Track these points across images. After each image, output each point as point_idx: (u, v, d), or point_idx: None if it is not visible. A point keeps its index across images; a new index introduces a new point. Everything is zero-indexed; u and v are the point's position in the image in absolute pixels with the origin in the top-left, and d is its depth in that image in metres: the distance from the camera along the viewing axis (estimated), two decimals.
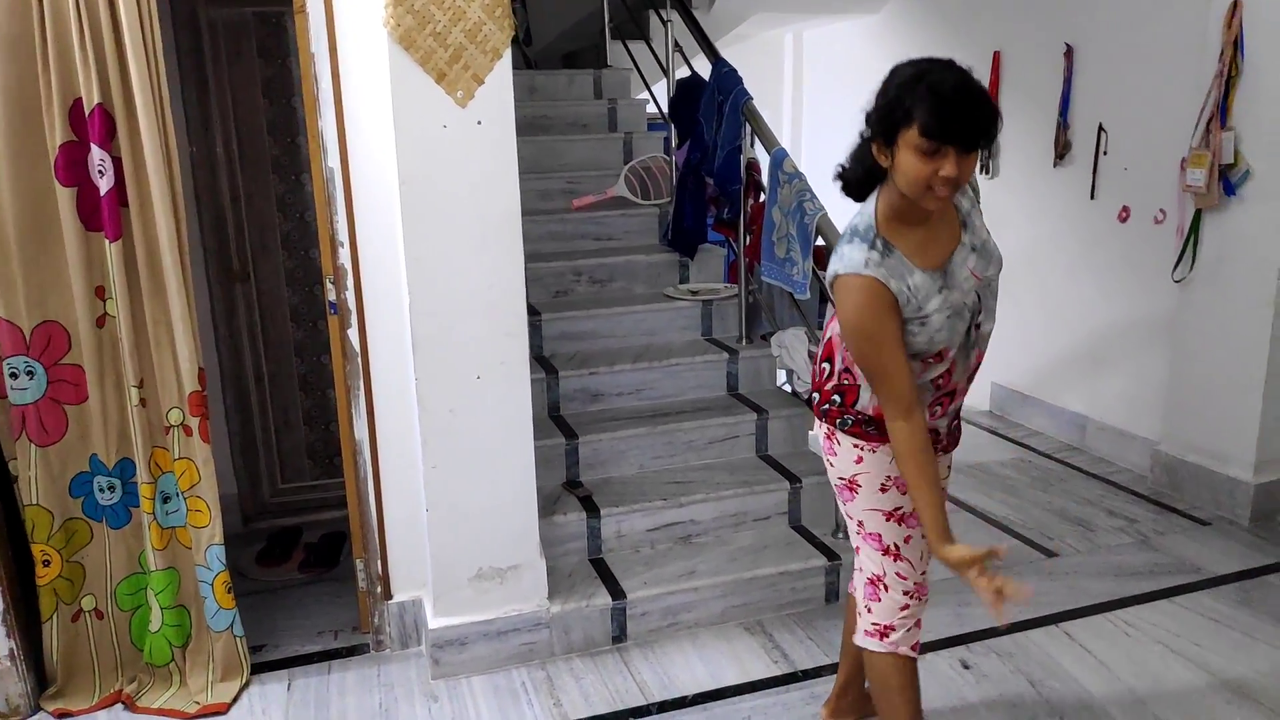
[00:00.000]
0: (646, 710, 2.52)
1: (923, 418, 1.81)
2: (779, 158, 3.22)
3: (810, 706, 2.50)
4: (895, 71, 1.75)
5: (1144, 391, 4.01)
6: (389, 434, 2.67)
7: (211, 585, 2.57)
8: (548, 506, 2.97)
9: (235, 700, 2.57)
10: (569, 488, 3.12)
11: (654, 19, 4.80)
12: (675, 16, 4.07)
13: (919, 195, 1.72)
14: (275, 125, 3.48)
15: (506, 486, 2.61)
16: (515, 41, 2.43)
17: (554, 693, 2.60)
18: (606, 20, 4.98)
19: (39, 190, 2.35)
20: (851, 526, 2.02)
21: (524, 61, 5.17)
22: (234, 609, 2.61)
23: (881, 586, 2.00)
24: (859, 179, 1.88)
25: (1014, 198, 4.69)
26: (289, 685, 2.66)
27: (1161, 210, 3.86)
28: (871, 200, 1.85)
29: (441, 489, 2.55)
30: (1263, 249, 3.35)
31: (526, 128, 4.31)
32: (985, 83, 1.82)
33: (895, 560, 1.97)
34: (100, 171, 2.34)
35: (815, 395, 2.03)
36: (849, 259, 1.77)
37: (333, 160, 2.51)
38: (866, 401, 1.92)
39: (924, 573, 2.03)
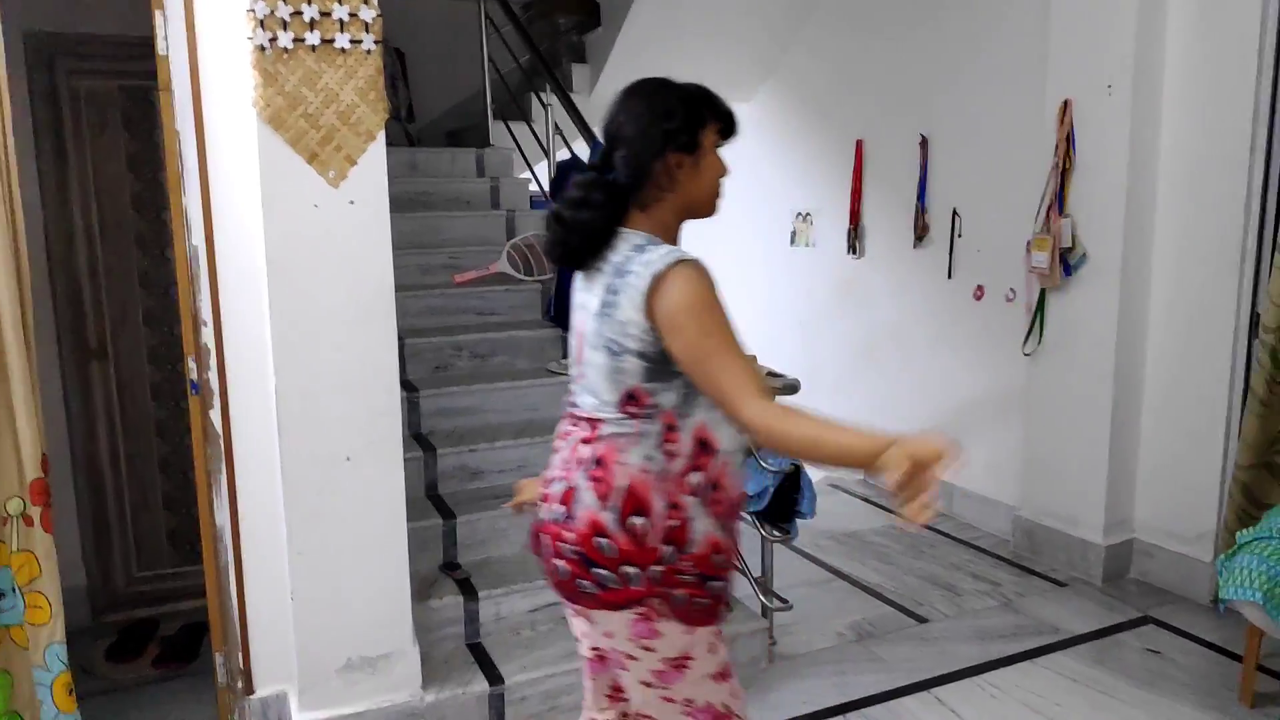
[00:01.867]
0: None
1: None
2: None
3: None
4: (659, 90, 1.62)
5: (1003, 459, 4.23)
6: (253, 518, 2.56)
7: (50, 688, 2.37)
8: (423, 590, 2.89)
9: None
10: (446, 570, 3.04)
11: (535, 102, 4.91)
12: (555, 100, 4.19)
13: (714, 198, 1.68)
14: (141, 199, 3.38)
15: (378, 571, 2.53)
16: (397, 118, 2.45)
17: None
18: (488, 100, 5.07)
19: None
20: (672, 710, 1.69)
21: (405, 138, 5.18)
22: (75, 713, 2.41)
23: None
24: (604, 224, 1.62)
25: (878, 276, 4.94)
26: None
27: (1011, 289, 4.13)
28: (629, 236, 1.61)
29: (308, 575, 2.45)
30: (1100, 326, 3.62)
31: (408, 204, 4.31)
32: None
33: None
34: None
35: (618, 573, 1.57)
36: (661, 253, 1.55)
37: (197, 238, 2.44)
38: (701, 534, 1.59)
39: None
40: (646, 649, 1.63)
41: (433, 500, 3.25)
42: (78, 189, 3.26)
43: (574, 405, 1.69)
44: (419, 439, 3.40)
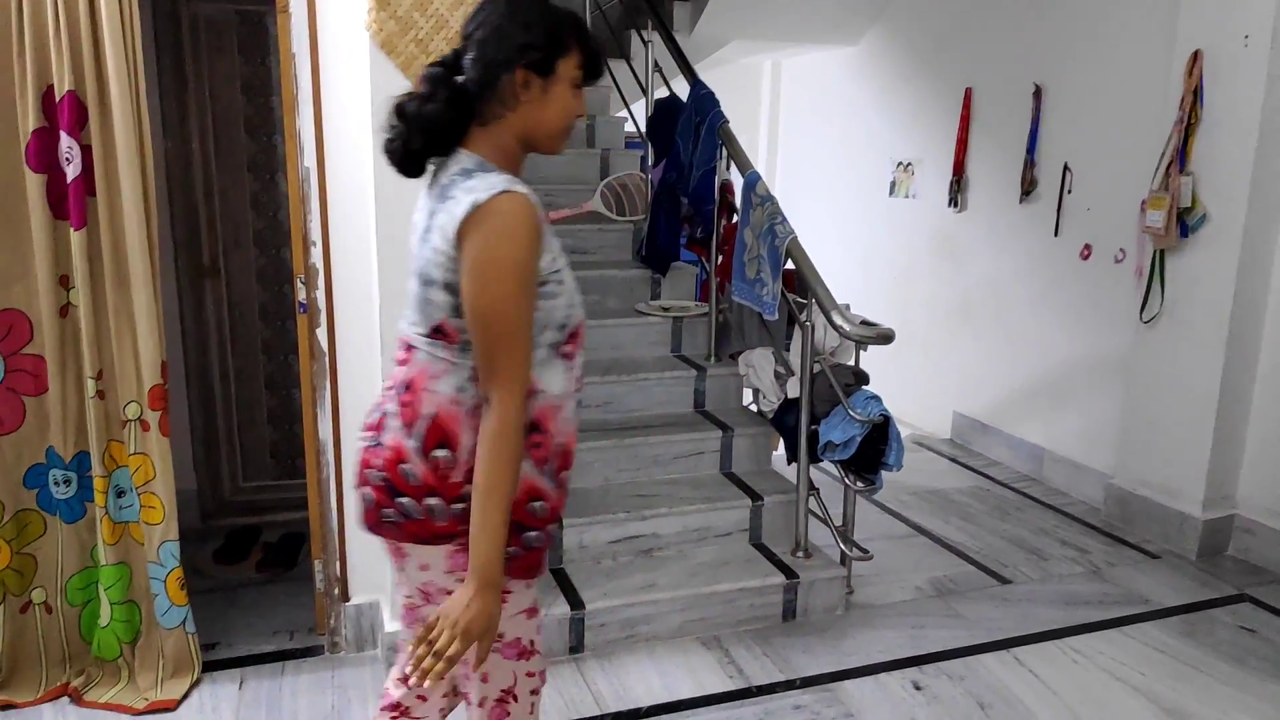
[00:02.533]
0: None
1: None
2: (752, 180, 3.27)
3: None
4: (529, 1, 1.48)
5: (1099, 426, 4.10)
6: (354, 434, 2.65)
7: (164, 582, 2.54)
8: None
9: (185, 698, 2.53)
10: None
11: (635, 39, 4.87)
12: (656, 38, 4.13)
13: (558, 135, 1.51)
14: (252, 123, 3.47)
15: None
16: None
17: None
18: None
19: (7, 175, 2.33)
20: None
21: None
22: (186, 606, 2.58)
23: (511, 699, 1.63)
24: (443, 128, 1.46)
25: (980, 230, 4.79)
26: (241, 684, 2.62)
27: (1121, 249, 3.96)
28: (461, 157, 1.47)
29: None
30: (1216, 290, 3.45)
31: None
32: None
33: (529, 660, 1.64)
34: (67, 159, 2.32)
35: (422, 504, 1.47)
36: (489, 181, 1.39)
37: (309, 160, 2.51)
38: (466, 451, 1.45)
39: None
40: (462, 580, 1.46)
41: None
42: (195, 113, 3.37)
43: (400, 330, 1.56)
44: None
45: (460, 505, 1.44)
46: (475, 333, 1.40)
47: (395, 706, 1.74)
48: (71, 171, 2.32)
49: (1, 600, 2.48)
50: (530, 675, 1.66)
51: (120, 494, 2.53)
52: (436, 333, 1.45)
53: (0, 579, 2.47)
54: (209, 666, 2.66)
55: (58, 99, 2.29)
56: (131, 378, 2.47)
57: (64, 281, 2.42)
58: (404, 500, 1.47)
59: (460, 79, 1.45)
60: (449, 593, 1.48)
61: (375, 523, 1.51)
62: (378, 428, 1.52)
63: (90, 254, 2.38)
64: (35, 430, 2.46)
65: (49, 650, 2.55)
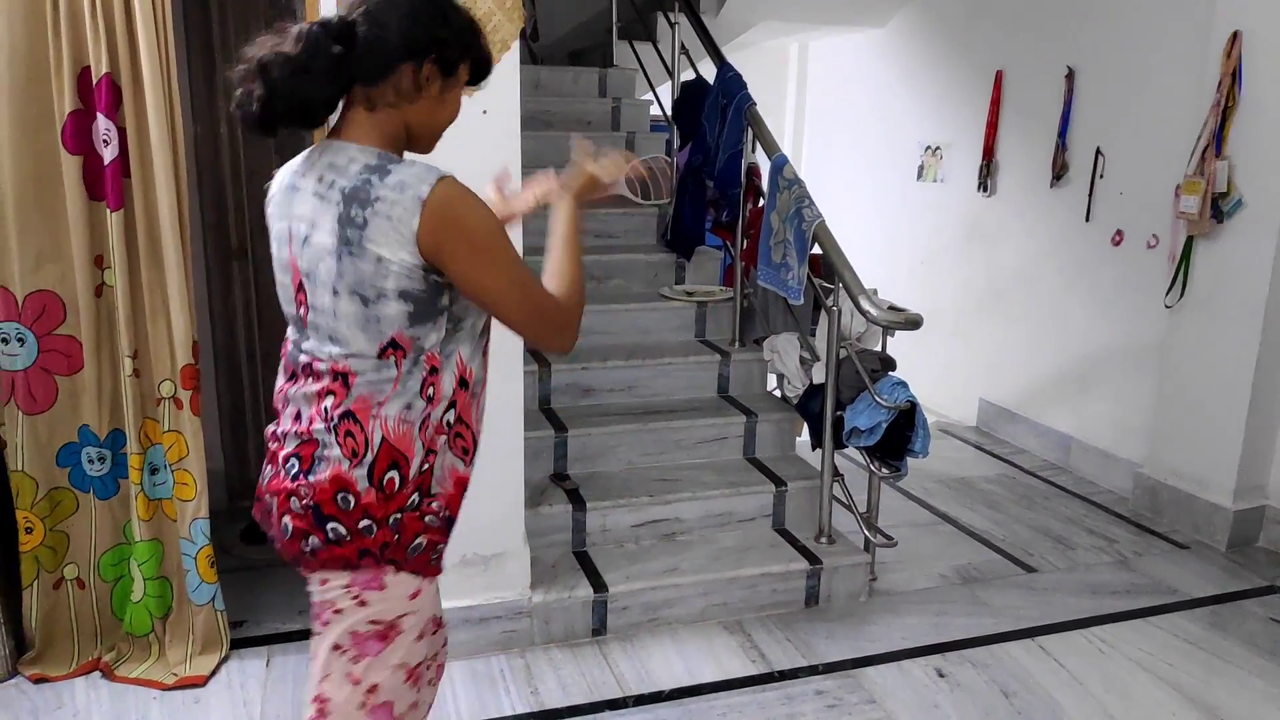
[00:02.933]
0: (623, 703, 2.53)
1: None
2: (779, 163, 3.25)
3: (785, 707, 2.52)
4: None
5: (1129, 414, 4.05)
6: None
7: (195, 559, 2.57)
8: (534, 497, 2.99)
9: (214, 673, 2.57)
10: (556, 480, 3.13)
11: (662, 21, 4.83)
12: (683, 20, 4.10)
13: (438, 138, 1.46)
14: None
15: (495, 474, 2.62)
16: (522, 36, 2.44)
17: (532, 681, 2.61)
18: (614, 20, 5.01)
19: (43, 157, 2.35)
20: (350, 695, 1.45)
21: (530, 57, 5.18)
22: (216, 583, 2.61)
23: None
24: (321, 103, 1.34)
25: (1010, 215, 4.74)
26: (268, 661, 2.66)
27: (1154, 235, 3.90)
28: (350, 151, 1.35)
29: None
30: (1251, 278, 3.39)
31: (529, 122, 4.30)
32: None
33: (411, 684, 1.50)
34: (105, 141, 2.34)
35: (353, 527, 1.38)
36: (414, 173, 1.30)
37: None
38: (446, 470, 1.43)
39: None
40: (360, 602, 1.41)
41: (545, 413, 3.33)
42: (224, 94, 3.39)
43: (305, 354, 1.43)
44: (534, 354, 3.47)
45: (397, 516, 1.38)
46: (510, 315, 1.39)
47: None
48: (109, 153, 2.34)
49: (35, 577, 2.53)
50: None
51: (154, 471, 2.56)
52: (387, 349, 1.35)
53: (34, 555, 2.52)
54: (237, 644, 2.70)
55: (94, 81, 2.31)
56: (165, 356, 2.50)
57: (99, 262, 2.44)
58: (333, 525, 1.37)
59: (339, 49, 1.31)
60: (336, 610, 1.41)
61: (296, 554, 1.41)
62: (302, 458, 1.39)
63: (126, 235, 2.40)
64: (68, 409, 2.49)
65: (81, 625, 2.60)
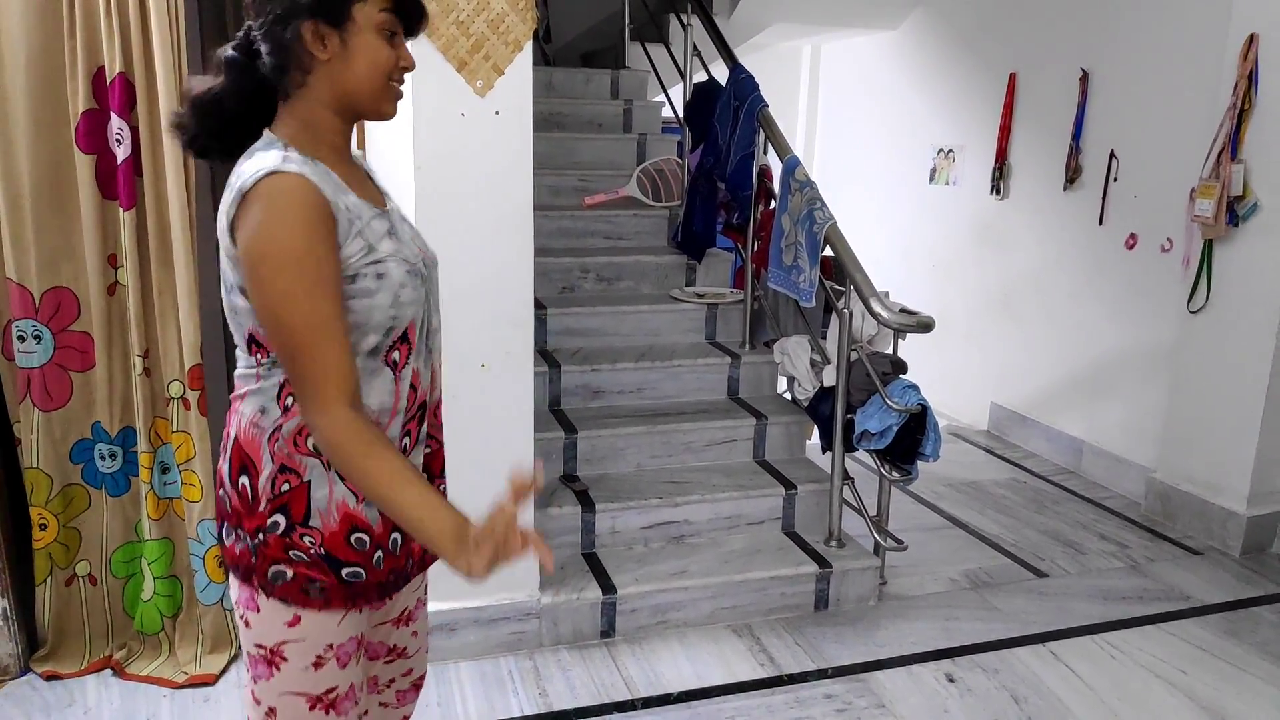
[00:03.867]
0: (631, 705, 2.53)
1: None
2: (791, 165, 3.24)
3: (794, 711, 2.51)
4: None
5: (1142, 419, 4.03)
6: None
7: (203, 559, 2.58)
8: (544, 499, 2.99)
9: (223, 672, 2.58)
10: (566, 481, 3.13)
11: (674, 23, 4.83)
12: (696, 21, 4.10)
13: (378, 94, 1.28)
14: None
15: (505, 475, 2.62)
16: (535, 37, 2.45)
17: (540, 683, 2.61)
18: (627, 22, 5.01)
19: (58, 156, 2.37)
20: (253, 713, 1.39)
21: (542, 58, 5.19)
22: (224, 583, 2.62)
23: None
24: (239, 112, 1.28)
25: (1023, 219, 4.71)
26: None
27: (1169, 239, 3.88)
28: (266, 143, 1.26)
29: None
30: (1267, 282, 3.36)
31: (542, 124, 4.34)
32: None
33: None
34: (118, 140, 2.36)
35: (229, 533, 1.33)
36: (257, 162, 1.20)
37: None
38: (327, 504, 1.29)
39: None
40: (245, 622, 1.34)
41: (555, 415, 3.33)
42: None
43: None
44: (544, 355, 3.48)
45: (261, 537, 1.28)
46: (270, 343, 1.23)
47: None
48: (122, 152, 2.36)
49: (48, 573, 2.54)
50: None
51: (164, 470, 2.58)
52: (250, 343, 1.27)
53: (47, 551, 2.53)
54: None
55: (109, 80, 2.32)
56: (175, 356, 2.51)
57: (112, 261, 2.46)
58: (223, 524, 1.34)
59: (245, 59, 1.26)
60: (243, 621, 1.34)
61: (221, 550, 1.37)
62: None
63: (138, 234, 2.42)
64: (81, 406, 2.51)
65: (93, 623, 2.61)
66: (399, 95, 1.32)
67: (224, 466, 1.32)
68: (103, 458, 2.55)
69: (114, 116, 2.34)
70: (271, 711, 1.37)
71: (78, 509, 2.56)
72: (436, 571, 2.63)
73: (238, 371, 1.32)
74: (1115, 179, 4.14)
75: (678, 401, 3.51)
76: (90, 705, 2.46)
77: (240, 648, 2.60)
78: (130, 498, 2.59)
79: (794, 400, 3.58)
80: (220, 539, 1.36)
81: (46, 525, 2.51)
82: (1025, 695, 2.60)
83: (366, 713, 1.49)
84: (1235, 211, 3.40)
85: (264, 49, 1.24)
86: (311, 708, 1.36)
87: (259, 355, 1.27)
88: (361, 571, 1.32)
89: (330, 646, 1.34)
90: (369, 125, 2.53)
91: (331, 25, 1.23)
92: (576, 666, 2.69)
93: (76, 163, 2.36)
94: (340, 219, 1.22)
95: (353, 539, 1.31)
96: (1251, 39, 3.33)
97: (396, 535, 1.36)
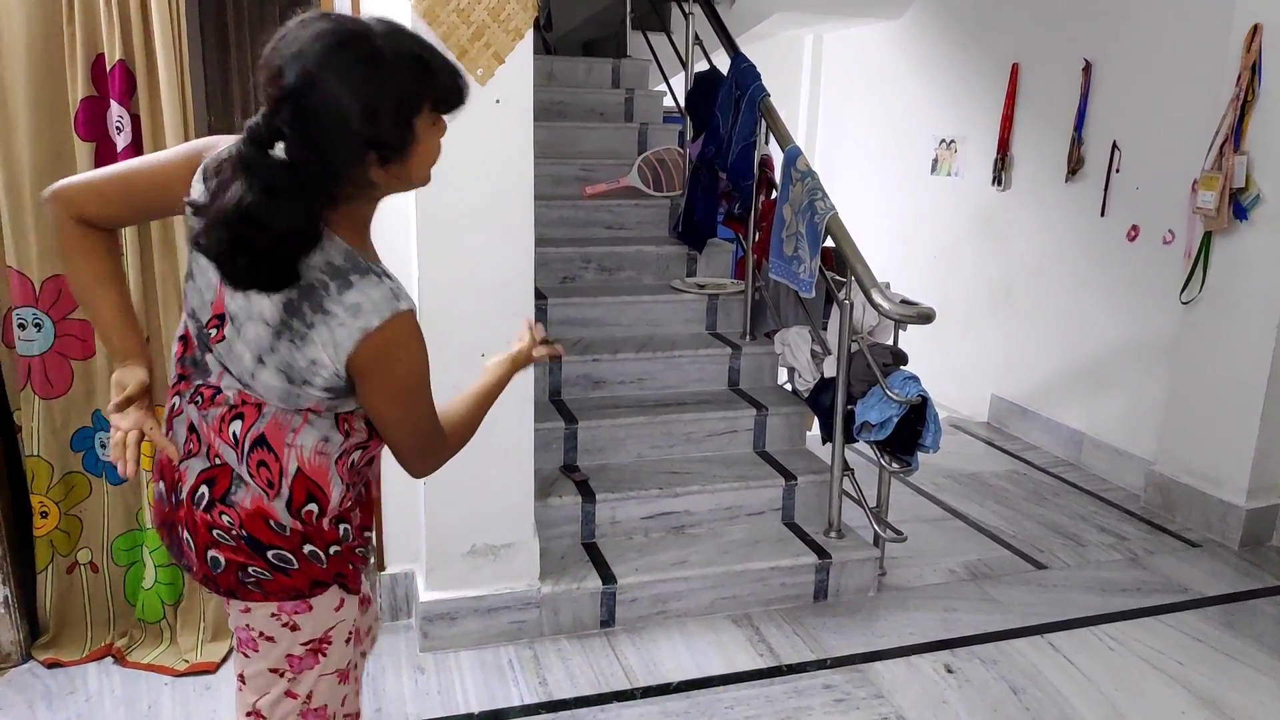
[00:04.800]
0: (631, 694, 2.53)
1: None
2: (792, 155, 3.23)
3: (793, 701, 2.52)
4: (364, 64, 1.18)
5: (1142, 411, 4.03)
6: None
7: None
8: (544, 489, 2.99)
9: (224, 660, 2.59)
10: (566, 472, 3.13)
11: (676, 11, 4.81)
12: (697, 10, 4.09)
13: (423, 183, 1.34)
14: None
15: (505, 465, 2.63)
16: (536, 26, 2.44)
17: (540, 672, 2.61)
18: (628, 10, 4.99)
19: (57, 143, 2.36)
20: (290, 708, 1.47)
21: (543, 47, 5.17)
22: None
23: None
24: (307, 224, 1.23)
25: (1024, 210, 4.70)
26: None
27: (1170, 231, 3.87)
28: (349, 263, 1.27)
29: None
30: (1269, 274, 3.36)
31: (543, 113, 4.32)
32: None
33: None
34: (118, 128, 2.35)
35: (299, 553, 1.38)
36: (372, 297, 1.25)
37: None
38: (336, 501, 1.41)
39: None
40: (293, 628, 1.42)
41: (556, 405, 3.33)
42: (237, 83, 3.39)
43: (209, 374, 1.37)
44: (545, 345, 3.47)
45: (337, 547, 1.41)
46: (397, 441, 1.39)
47: None
48: (122, 140, 2.35)
49: (49, 561, 2.55)
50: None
51: None
52: (304, 410, 1.35)
53: (49, 539, 2.54)
54: None
55: (108, 68, 2.31)
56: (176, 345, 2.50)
57: None
58: (276, 553, 1.36)
59: (280, 154, 1.19)
60: (268, 639, 1.42)
61: (234, 586, 1.38)
62: (214, 484, 1.36)
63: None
64: (82, 394, 2.51)
65: (94, 610, 2.62)
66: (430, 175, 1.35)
67: (277, 503, 1.35)
68: (103, 446, 2.55)
69: (114, 104, 2.33)
70: (310, 696, 1.48)
71: (78, 497, 2.56)
72: (434, 564, 2.65)
73: (269, 412, 1.33)
74: (1117, 170, 4.13)
75: (678, 392, 3.51)
76: (92, 693, 2.46)
77: None
78: (131, 486, 2.60)
79: (794, 391, 3.58)
80: (275, 569, 1.37)
81: (47, 513, 2.52)
82: (1023, 686, 2.61)
83: (356, 666, 1.62)
84: (1239, 203, 3.39)
85: (307, 164, 1.19)
86: (341, 680, 1.51)
87: (311, 412, 1.35)
88: (367, 551, 1.53)
89: (355, 621, 1.51)
90: None
91: (394, 159, 1.24)
92: (576, 656, 2.70)
93: (76, 150, 2.36)
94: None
95: (365, 532, 1.52)
96: (1255, 29, 3.32)
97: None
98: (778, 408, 3.43)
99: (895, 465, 3.05)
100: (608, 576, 2.83)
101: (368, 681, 2.53)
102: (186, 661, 2.56)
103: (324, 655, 1.46)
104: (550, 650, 2.72)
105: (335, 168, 1.21)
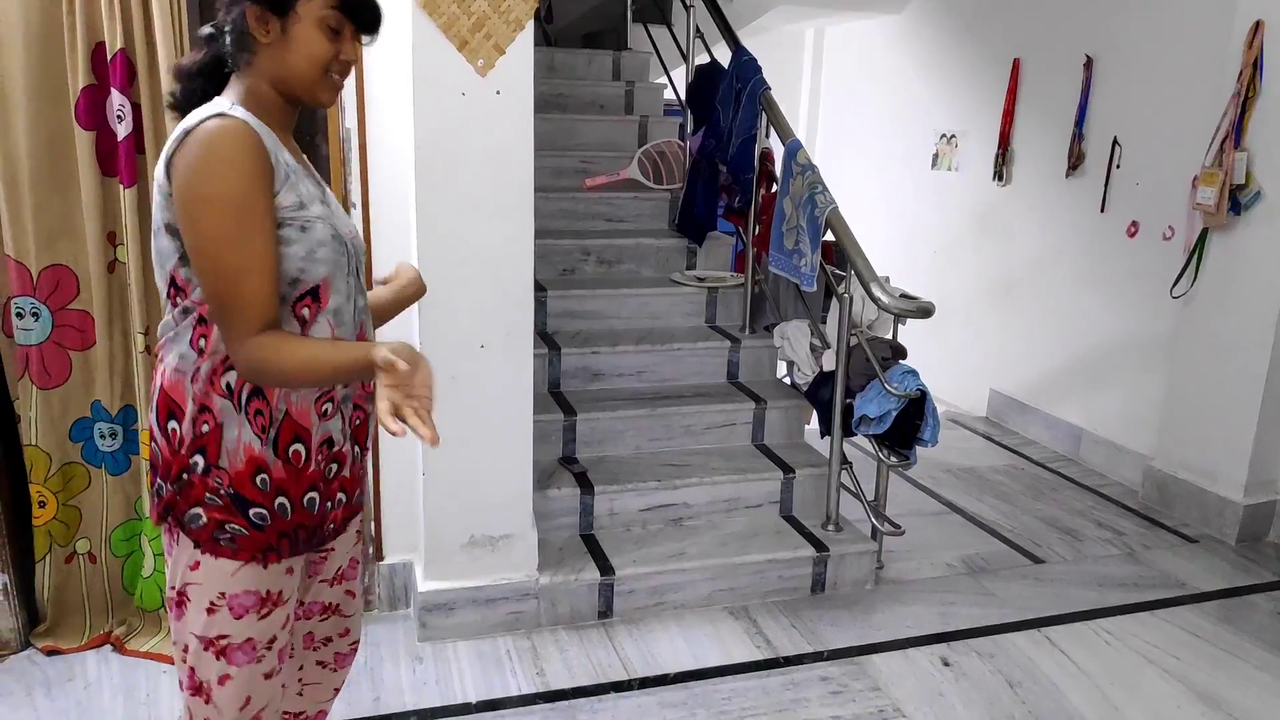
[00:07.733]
0: (628, 685, 2.54)
1: None
2: (793, 148, 3.23)
3: (789, 693, 2.52)
4: None
5: (1140, 407, 4.03)
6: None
7: None
8: (543, 480, 2.99)
9: None
10: (565, 463, 3.14)
11: (677, 4, 4.80)
12: (699, 3, 4.08)
13: (312, 83, 1.36)
14: None
15: (504, 456, 2.63)
16: (536, 17, 2.43)
17: (538, 662, 2.62)
18: (629, 3, 4.98)
19: (57, 132, 2.35)
20: (176, 654, 1.48)
21: (544, 38, 5.16)
22: None
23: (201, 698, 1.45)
24: (204, 69, 1.39)
25: (1024, 205, 4.70)
26: None
27: (1170, 227, 3.87)
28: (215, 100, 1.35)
29: (439, 455, 2.57)
30: (1267, 270, 3.36)
31: (543, 105, 4.31)
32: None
33: (206, 704, 1.45)
34: (119, 117, 2.34)
35: (160, 487, 1.40)
36: (206, 108, 1.30)
37: (349, 121, 2.52)
38: (234, 443, 1.35)
39: None
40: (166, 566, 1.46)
41: (555, 397, 3.33)
42: None
43: None
44: (544, 337, 3.48)
45: (185, 477, 1.36)
46: (200, 281, 1.29)
47: None
48: (123, 129, 2.35)
49: (48, 550, 2.55)
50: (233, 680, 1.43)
51: None
52: (172, 288, 1.35)
53: (47, 529, 2.54)
54: None
55: (109, 56, 2.30)
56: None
57: (111, 238, 2.45)
58: (157, 480, 1.41)
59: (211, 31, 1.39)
60: (179, 596, 1.40)
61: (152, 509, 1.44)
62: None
63: (140, 211, 2.41)
64: (81, 384, 2.51)
65: (92, 599, 2.62)
66: (337, 86, 1.40)
67: (153, 418, 1.40)
68: (103, 436, 2.55)
69: (114, 93, 2.33)
70: (185, 650, 1.45)
71: (77, 488, 2.56)
72: (433, 554, 2.65)
73: (160, 325, 1.40)
74: (1118, 166, 4.13)
75: (677, 385, 3.52)
76: (90, 680, 2.47)
77: None
78: (130, 476, 2.60)
79: (793, 384, 3.59)
80: (155, 495, 1.42)
81: (46, 503, 2.52)
82: (1020, 680, 2.62)
83: (283, 673, 1.53)
84: (1238, 199, 3.40)
85: (223, 28, 1.36)
86: (205, 649, 1.42)
87: (176, 299, 1.35)
88: (266, 514, 1.39)
89: (222, 595, 1.39)
90: (370, 102, 2.52)
91: (273, 12, 1.32)
92: (574, 647, 2.70)
93: (76, 139, 2.35)
94: (278, 169, 1.31)
95: (257, 479, 1.38)
96: (1257, 26, 3.31)
97: (313, 495, 1.43)
98: (777, 401, 3.43)
99: (893, 459, 3.05)
100: (606, 568, 2.83)
101: (366, 671, 2.54)
102: None
103: (184, 610, 1.41)
104: (548, 641, 2.72)
105: (230, 14, 1.34)
